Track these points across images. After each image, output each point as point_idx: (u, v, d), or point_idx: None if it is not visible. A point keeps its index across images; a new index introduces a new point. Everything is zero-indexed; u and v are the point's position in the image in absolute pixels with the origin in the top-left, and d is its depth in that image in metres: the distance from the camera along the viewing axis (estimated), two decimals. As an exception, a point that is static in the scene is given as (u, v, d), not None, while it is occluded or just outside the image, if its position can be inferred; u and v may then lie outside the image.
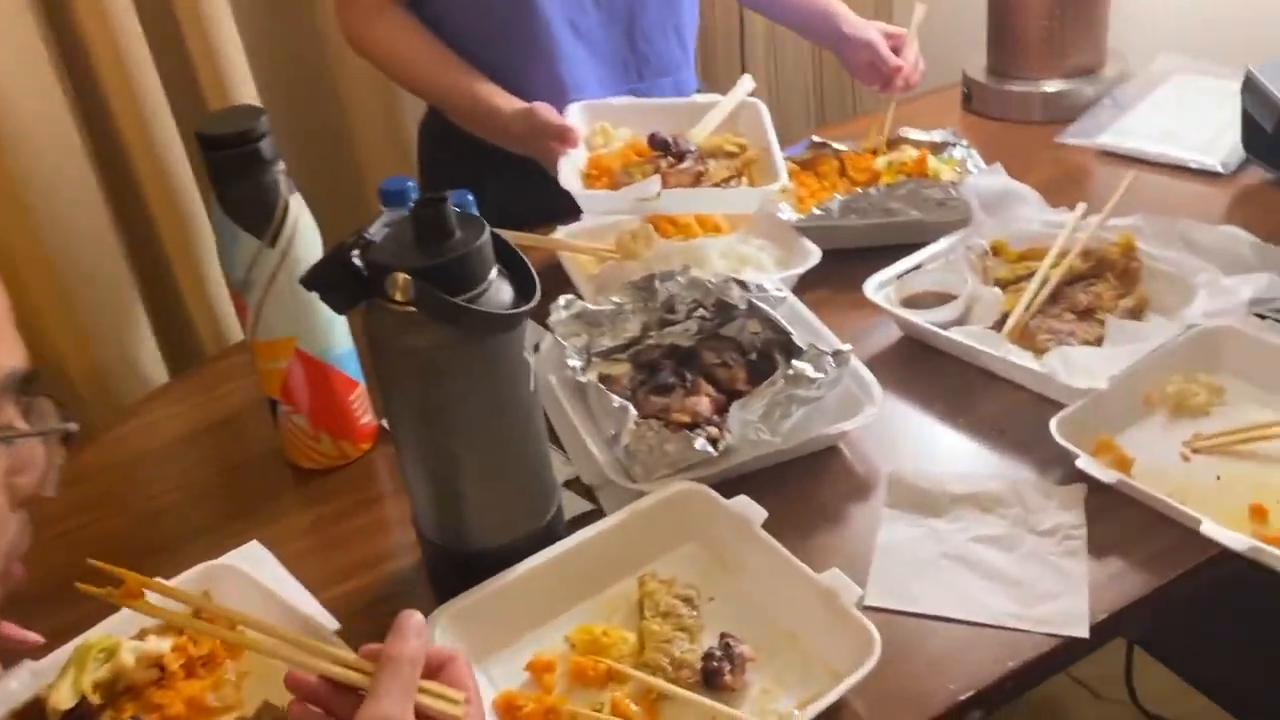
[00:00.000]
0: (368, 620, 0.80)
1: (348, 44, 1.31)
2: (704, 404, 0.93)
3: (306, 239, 0.88)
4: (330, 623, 0.79)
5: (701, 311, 1.03)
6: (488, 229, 0.71)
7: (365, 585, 0.85)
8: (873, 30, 1.33)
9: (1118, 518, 0.80)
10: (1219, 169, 1.26)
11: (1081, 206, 1.09)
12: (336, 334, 0.93)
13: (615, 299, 1.03)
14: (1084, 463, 0.81)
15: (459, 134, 1.31)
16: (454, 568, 0.80)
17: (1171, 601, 0.75)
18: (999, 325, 1.02)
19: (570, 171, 1.13)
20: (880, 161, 1.28)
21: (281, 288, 0.87)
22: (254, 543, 0.88)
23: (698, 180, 1.13)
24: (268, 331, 0.90)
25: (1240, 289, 0.92)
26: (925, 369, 1.01)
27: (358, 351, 0.96)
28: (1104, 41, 1.49)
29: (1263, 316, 0.94)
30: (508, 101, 1.21)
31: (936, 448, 0.92)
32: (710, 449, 0.85)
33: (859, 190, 1.16)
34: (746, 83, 1.27)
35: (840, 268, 1.13)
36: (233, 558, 0.85)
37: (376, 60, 1.31)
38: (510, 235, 0.76)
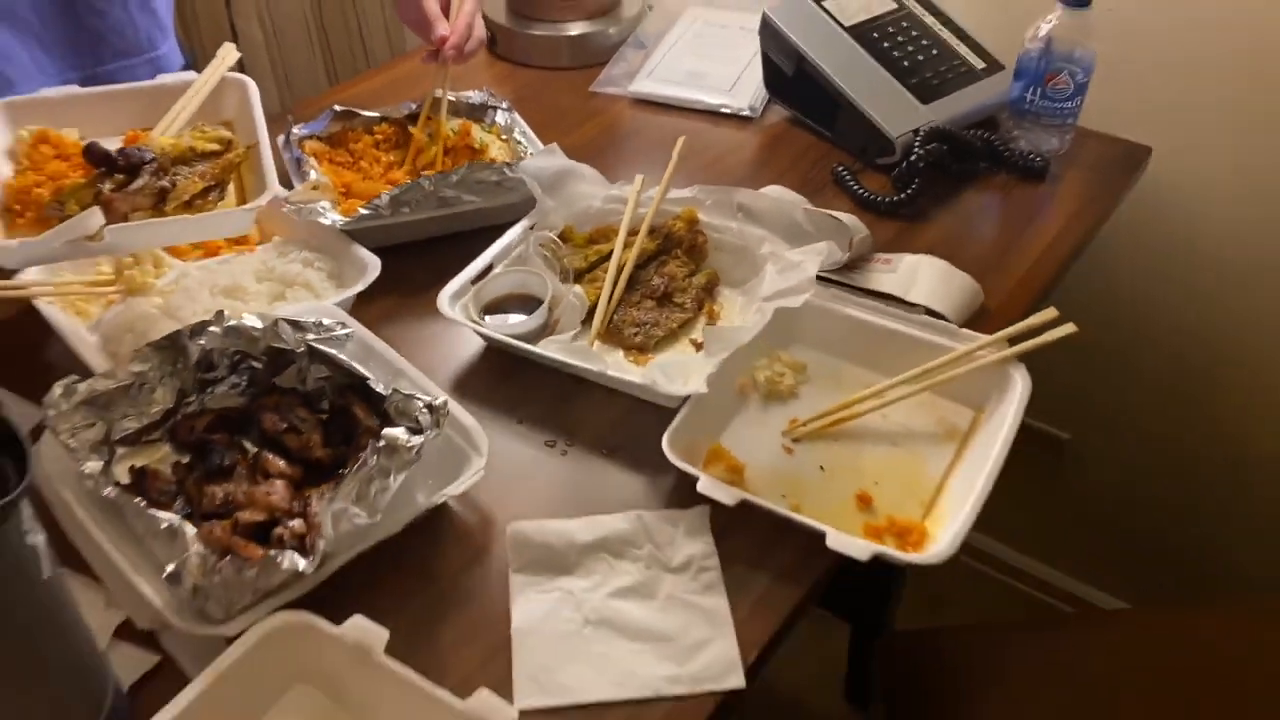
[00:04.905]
0: None
1: None
2: (279, 490, 0.77)
3: None
4: None
5: (250, 363, 0.85)
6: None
7: None
8: None
9: (745, 530, 0.78)
10: (748, 113, 1.29)
11: (640, 179, 1.05)
12: None
13: (134, 368, 0.81)
14: (704, 485, 0.78)
15: None
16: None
17: (809, 608, 0.76)
18: (588, 321, 0.96)
19: None
20: (422, 135, 1.15)
21: None
22: None
23: (161, 200, 0.88)
24: None
25: (805, 265, 0.93)
26: (519, 384, 0.92)
27: None
28: (619, -23, 1.45)
29: (824, 277, 0.96)
30: None
31: (551, 481, 0.84)
32: (301, 563, 0.70)
33: (408, 181, 1.03)
34: (228, 53, 1.01)
35: (402, 269, 1.00)
36: None
37: None
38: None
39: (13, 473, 0.52)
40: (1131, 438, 1.57)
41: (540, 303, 0.96)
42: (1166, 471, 1.57)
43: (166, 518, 0.71)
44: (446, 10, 1.12)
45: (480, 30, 1.15)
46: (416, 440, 0.75)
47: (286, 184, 1.05)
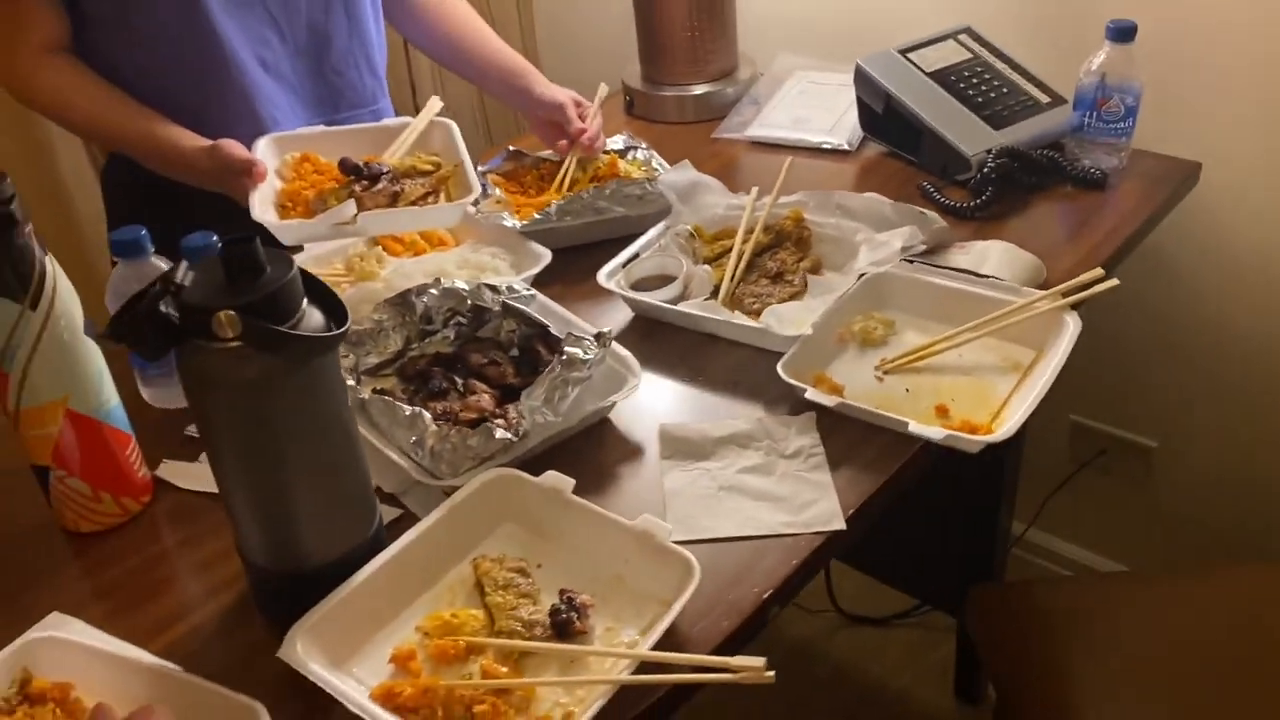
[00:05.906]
0: (211, 660, 0.81)
1: (9, 94, 1.25)
2: (486, 400, 1.01)
3: (65, 296, 0.87)
4: (173, 669, 0.79)
5: (459, 318, 1.11)
6: (295, 262, 0.75)
7: (193, 628, 0.85)
8: (564, 94, 1.42)
9: (843, 432, 0.99)
10: (846, 147, 1.53)
11: (755, 189, 1.29)
12: (106, 389, 0.92)
13: (374, 317, 1.08)
14: (810, 394, 0.99)
15: (144, 177, 1.27)
16: (288, 589, 0.83)
17: (895, 491, 0.95)
18: (713, 296, 1.19)
19: (262, 204, 1.15)
20: (575, 167, 1.42)
21: (48, 349, 0.85)
22: (54, 614, 0.85)
23: (394, 200, 1.18)
24: (35, 397, 0.87)
25: (892, 242, 1.15)
26: (659, 341, 1.16)
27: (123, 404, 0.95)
28: (735, 47, 1.72)
29: (910, 260, 1.18)
30: (191, 140, 1.20)
31: (687, 405, 1.07)
32: (510, 436, 0.94)
33: (571, 194, 1.29)
34: (435, 103, 1.35)
35: (566, 264, 1.25)
36: (41, 630, 0.82)
37: (44, 109, 1.25)
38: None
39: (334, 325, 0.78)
40: (1218, 445, 1.69)
41: (676, 279, 1.20)
42: (1254, 479, 1.68)
43: (409, 408, 0.96)
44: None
45: (603, 139, 1.44)
46: (589, 357, 0.99)
47: (476, 203, 1.32)
